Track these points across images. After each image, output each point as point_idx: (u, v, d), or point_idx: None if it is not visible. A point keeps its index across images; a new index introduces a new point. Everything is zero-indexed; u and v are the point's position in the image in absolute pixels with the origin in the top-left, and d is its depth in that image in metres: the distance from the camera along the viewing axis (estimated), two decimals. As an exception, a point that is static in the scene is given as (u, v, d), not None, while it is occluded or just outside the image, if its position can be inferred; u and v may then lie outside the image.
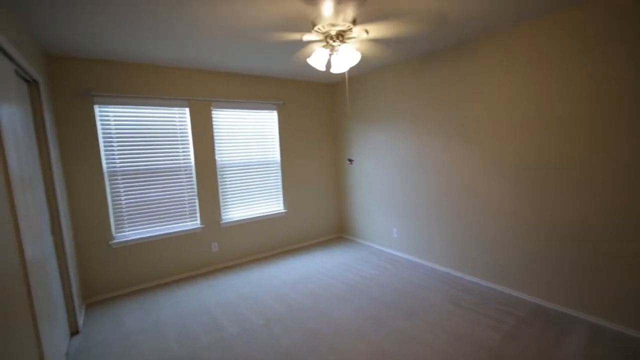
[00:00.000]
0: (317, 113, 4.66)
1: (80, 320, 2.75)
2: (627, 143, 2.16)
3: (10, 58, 1.79)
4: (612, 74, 2.19)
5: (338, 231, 5.07)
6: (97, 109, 3.12)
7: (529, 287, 2.80)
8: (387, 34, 2.40)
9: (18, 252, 1.48)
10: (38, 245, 1.86)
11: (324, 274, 3.58)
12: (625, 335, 2.26)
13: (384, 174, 4.10)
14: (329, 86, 4.76)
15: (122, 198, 3.32)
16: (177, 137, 3.57)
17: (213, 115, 3.77)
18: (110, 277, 3.28)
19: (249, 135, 4.08)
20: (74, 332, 2.63)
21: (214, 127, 3.79)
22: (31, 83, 2.33)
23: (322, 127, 4.75)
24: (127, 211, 3.36)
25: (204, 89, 3.67)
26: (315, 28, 1.93)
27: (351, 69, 3.87)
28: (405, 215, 3.89)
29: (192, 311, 2.90)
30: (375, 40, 2.55)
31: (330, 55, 1.95)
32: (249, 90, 3.99)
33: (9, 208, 1.44)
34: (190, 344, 2.41)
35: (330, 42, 1.91)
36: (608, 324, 2.36)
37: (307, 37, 2.05)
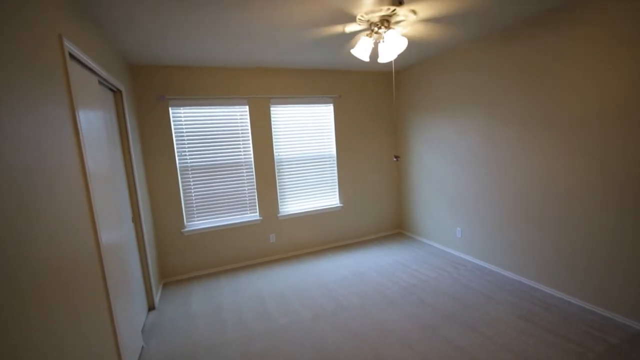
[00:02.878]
0: (374, 105, 4.48)
1: (157, 297, 3.14)
2: None
3: (93, 71, 2.08)
4: None
5: (396, 227, 4.84)
6: (171, 111, 3.48)
7: (629, 309, 2.28)
8: (441, 11, 2.11)
9: (93, 238, 1.73)
10: (115, 232, 2.15)
11: (377, 272, 3.46)
12: None
13: (447, 167, 3.76)
14: (387, 76, 4.52)
15: (192, 191, 3.67)
16: (238, 133, 3.79)
17: (271, 112, 3.90)
18: (182, 261, 3.68)
19: (306, 129, 4.12)
20: (151, 307, 3.02)
21: (272, 123, 3.92)
22: (115, 92, 2.70)
23: (380, 119, 4.55)
24: (196, 203, 3.71)
25: (262, 87, 3.81)
26: (358, 17, 1.81)
27: (409, 57, 3.60)
28: (471, 214, 3.51)
29: (248, 299, 3.08)
30: (428, 20, 2.28)
31: (375, 43, 1.82)
32: (304, 85, 4.02)
33: (86, 200, 1.69)
34: (243, 331, 2.56)
35: (376, 29, 1.78)
36: None
37: (349, 27, 1.95)
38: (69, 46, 1.66)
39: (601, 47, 2.23)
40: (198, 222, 3.75)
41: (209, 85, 3.59)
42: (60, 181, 1.41)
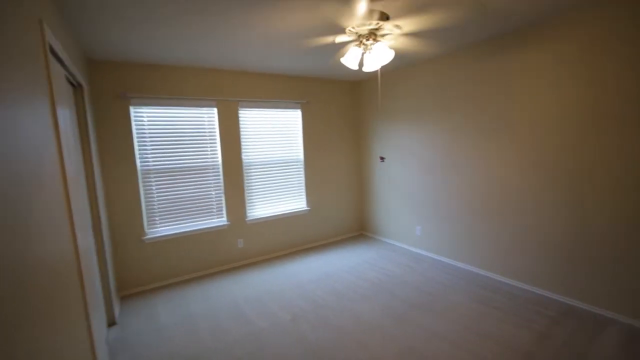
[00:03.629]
0: (340, 111, 4.69)
1: (117, 311, 2.89)
2: (668, 140, 2.09)
3: (62, 64, 1.91)
4: (651, 69, 2.12)
5: (359, 229, 5.09)
6: (132, 110, 3.27)
7: (560, 287, 2.74)
8: (421, 26, 2.37)
9: (72, 243, 1.59)
10: (86, 238, 1.98)
11: (347, 272, 3.61)
12: (665, 338, 2.19)
13: (408, 171, 4.09)
14: (353, 84, 4.78)
15: (154, 195, 3.46)
16: (205, 136, 3.69)
17: (240, 115, 3.87)
18: (142, 271, 3.43)
19: (274, 134, 4.16)
20: (112, 323, 2.77)
21: (241, 126, 3.89)
22: (76, 87, 2.48)
23: (345, 126, 4.78)
24: (158, 208, 3.50)
25: (231, 90, 3.77)
26: (347, 29, 1.96)
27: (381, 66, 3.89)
28: (430, 213, 3.87)
29: (221, 305, 3.00)
30: (409, 35, 2.54)
31: (362, 53, 1.98)
32: (274, 90, 4.07)
33: (66, 203, 1.55)
34: (223, 337, 2.50)
35: (364, 41, 1.94)
36: (628, 321, 2.29)
37: (339, 38, 2.10)
38: (48, 33, 1.53)
39: (547, 69, 2.70)
40: (161, 229, 3.54)
41: (176, 85, 3.45)
42: (47, 182, 1.30)
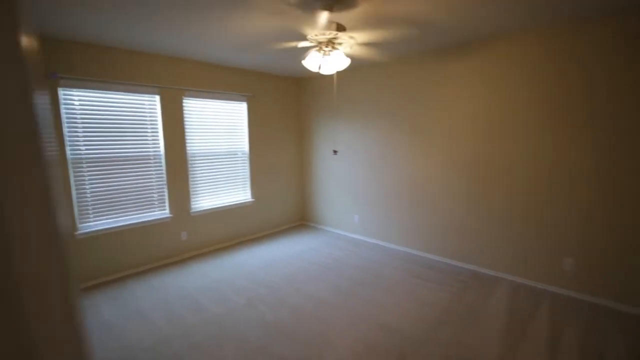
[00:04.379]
0: (285, 106, 4.86)
1: (49, 313, 2.64)
2: (568, 144, 2.84)
3: None
4: (559, 93, 2.84)
5: (300, 219, 5.36)
6: (62, 92, 2.94)
7: (469, 259, 3.43)
8: (371, 39, 2.76)
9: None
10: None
11: (295, 258, 3.86)
12: (532, 287, 2.97)
13: (347, 165, 4.50)
14: (297, 81, 4.98)
15: (87, 187, 3.18)
16: (146, 124, 3.50)
17: (185, 104, 3.76)
18: (76, 268, 3.14)
19: (220, 125, 4.14)
20: (45, 325, 2.53)
21: (185, 115, 3.78)
22: None
23: (290, 120, 4.97)
24: (92, 201, 3.22)
25: (176, 78, 3.64)
26: (309, 37, 2.19)
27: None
28: (367, 202, 4.34)
29: (172, 296, 2.96)
30: (362, 44, 2.91)
31: (322, 58, 2.22)
32: (220, 81, 4.03)
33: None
34: (180, 323, 2.52)
35: (323, 47, 2.18)
36: (521, 280, 3.07)
37: (302, 44, 2.30)
38: None
39: (466, 81, 3.30)
40: (95, 223, 3.27)
41: (113, 67, 3.20)
42: None
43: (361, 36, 2.57)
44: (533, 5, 2.27)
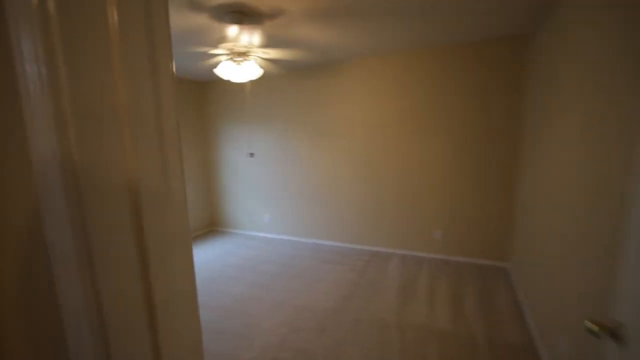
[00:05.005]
0: (189, 110, 4.69)
1: None
2: (432, 143, 3.60)
3: None
4: (421, 99, 3.57)
5: (210, 225, 5.24)
6: None
7: (370, 240, 4.04)
8: (275, 56, 3.03)
9: None
10: None
11: (210, 262, 3.82)
12: (415, 256, 3.74)
13: (256, 168, 4.65)
14: (201, 85, 4.86)
15: None
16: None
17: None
18: None
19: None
20: None
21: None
22: None
23: (196, 125, 4.82)
24: None
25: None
26: (220, 45, 2.31)
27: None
28: (276, 202, 4.59)
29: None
30: (269, 60, 3.14)
31: (234, 67, 2.36)
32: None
33: None
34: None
35: (235, 57, 2.33)
36: (408, 252, 3.82)
37: (214, 51, 2.39)
38: None
39: (348, 89, 3.85)
40: None
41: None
42: None
43: (269, 52, 2.82)
44: (399, 37, 2.92)
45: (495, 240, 3.44)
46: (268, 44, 2.69)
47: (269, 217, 4.68)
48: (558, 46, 2.17)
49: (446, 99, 3.40)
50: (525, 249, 2.75)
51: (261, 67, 2.72)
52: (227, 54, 2.35)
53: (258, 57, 2.51)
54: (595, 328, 0.86)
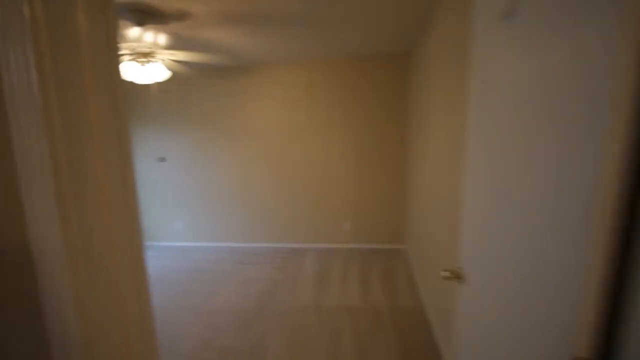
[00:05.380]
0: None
1: None
2: (339, 143, 3.95)
3: None
4: (325, 103, 3.88)
5: (110, 240, 4.70)
6: None
7: (287, 238, 4.24)
8: (184, 58, 2.93)
9: None
10: None
11: (115, 280, 3.48)
12: (328, 248, 4.10)
13: (167, 173, 4.38)
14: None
15: None
16: None
17: None
18: None
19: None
20: None
21: None
22: None
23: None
24: None
25: None
26: (124, 45, 2.18)
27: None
28: (190, 208, 4.41)
29: None
30: (179, 61, 3.00)
31: (138, 68, 2.26)
32: None
33: None
34: None
35: (138, 58, 2.23)
36: (322, 245, 4.16)
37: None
38: None
39: (263, 93, 3.97)
40: None
41: None
42: None
43: (176, 53, 2.75)
44: (303, 48, 3.20)
45: (394, 226, 4.03)
46: (175, 45, 2.64)
47: (182, 225, 4.46)
48: (422, 65, 2.73)
49: (347, 104, 3.83)
50: (416, 231, 3.33)
51: (170, 68, 2.65)
52: (130, 55, 2.24)
53: (166, 58, 2.44)
54: (447, 274, 1.22)
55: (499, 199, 0.91)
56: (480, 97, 1.04)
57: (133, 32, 2.18)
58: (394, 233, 4.04)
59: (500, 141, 0.88)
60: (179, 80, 4.17)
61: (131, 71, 2.25)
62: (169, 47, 2.61)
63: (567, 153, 0.59)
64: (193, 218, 4.42)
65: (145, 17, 2.21)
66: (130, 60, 2.25)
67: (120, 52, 2.27)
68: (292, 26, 2.60)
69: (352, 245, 4.13)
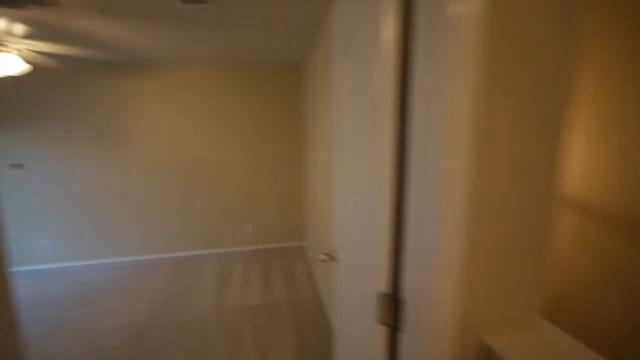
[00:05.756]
0: None
1: None
2: (241, 150, 3.92)
3: None
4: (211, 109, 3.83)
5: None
6: None
7: (183, 247, 4.03)
8: (43, 49, 2.51)
9: None
10: None
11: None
12: (229, 252, 4.10)
13: (31, 186, 3.64)
14: None
15: None
16: None
17: None
18: None
19: None
20: None
21: None
22: None
23: None
24: None
25: None
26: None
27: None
28: (61, 224, 3.77)
29: None
30: (44, 53, 2.53)
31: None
32: None
33: None
34: None
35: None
36: (222, 250, 4.13)
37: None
38: None
39: (154, 95, 3.70)
40: None
41: None
42: None
43: (38, 44, 2.35)
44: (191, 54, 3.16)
45: (294, 224, 4.27)
46: (37, 35, 2.29)
47: (51, 244, 3.78)
48: (310, 76, 3.05)
49: (246, 110, 3.91)
50: (312, 227, 3.63)
51: (30, 61, 2.29)
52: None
53: (23, 48, 2.10)
54: (323, 256, 1.46)
55: (351, 195, 1.17)
56: (336, 108, 1.31)
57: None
58: (294, 231, 4.29)
59: (348, 145, 1.15)
60: (48, 75, 3.55)
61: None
62: (29, 36, 2.26)
63: (375, 154, 0.86)
64: (66, 234, 3.80)
65: (-8, -1, 1.88)
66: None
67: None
68: (182, 27, 2.55)
69: (254, 246, 4.21)
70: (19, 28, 2.04)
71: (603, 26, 1.18)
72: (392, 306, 0.75)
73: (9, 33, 1.98)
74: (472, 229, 0.62)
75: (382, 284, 0.78)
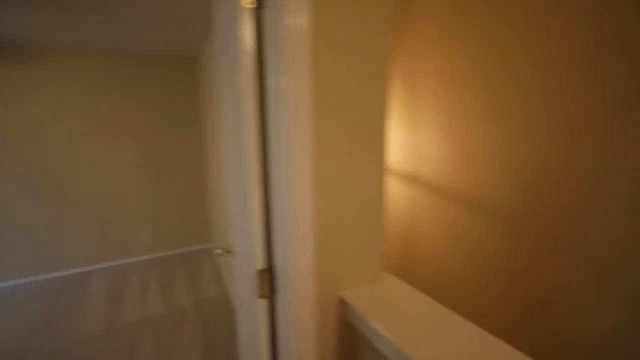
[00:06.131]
0: None
1: None
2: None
3: None
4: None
5: None
6: None
7: (61, 266, 3.46)
8: None
9: None
10: None
11: None
12: (123, 264, 3.70)
13: None
14: None
15: None
16: None
17: None
18: None
19: None
20: None
21: None
22: None
23: None
24: None
25: None
26: None
27: None
28: None
29: None
30: None
31: None
32: None
33: None
34: None
35: None
36: (114, 262, 3.70)
37: None
38: None
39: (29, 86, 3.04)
40: None
41: None
42: None
43: None
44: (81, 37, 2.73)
45: (197, 227, 4.08)
46: None
47: None
48: (206, 71, 2.98)
49: (139, 103, 3.54)
50: (217, 227, 3.54)
51: None
52: None
53: None
54: (220, 251, 1.49)
55: (233, 188, 1.24)
56: (220, 104, 1.35)
57: None
58: (199, 233, 4.10)
59: (229, 139, 1.21)
60: None
61: None
62: None
63: (244, 149, 0.95)
64: None
65: None
66: None
67: None
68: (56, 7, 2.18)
69: (153, 254, 3.88)
70: None
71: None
72: (268, 280, 0.85)
73: None
74: (319, 205, 0.77)
75: (259, 262, 0.88)
